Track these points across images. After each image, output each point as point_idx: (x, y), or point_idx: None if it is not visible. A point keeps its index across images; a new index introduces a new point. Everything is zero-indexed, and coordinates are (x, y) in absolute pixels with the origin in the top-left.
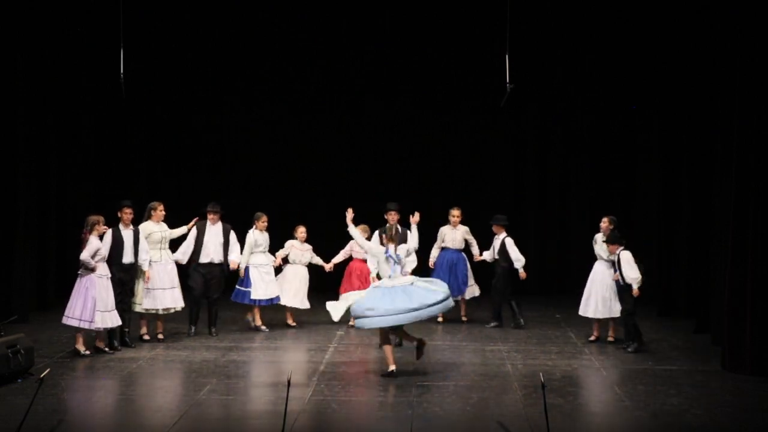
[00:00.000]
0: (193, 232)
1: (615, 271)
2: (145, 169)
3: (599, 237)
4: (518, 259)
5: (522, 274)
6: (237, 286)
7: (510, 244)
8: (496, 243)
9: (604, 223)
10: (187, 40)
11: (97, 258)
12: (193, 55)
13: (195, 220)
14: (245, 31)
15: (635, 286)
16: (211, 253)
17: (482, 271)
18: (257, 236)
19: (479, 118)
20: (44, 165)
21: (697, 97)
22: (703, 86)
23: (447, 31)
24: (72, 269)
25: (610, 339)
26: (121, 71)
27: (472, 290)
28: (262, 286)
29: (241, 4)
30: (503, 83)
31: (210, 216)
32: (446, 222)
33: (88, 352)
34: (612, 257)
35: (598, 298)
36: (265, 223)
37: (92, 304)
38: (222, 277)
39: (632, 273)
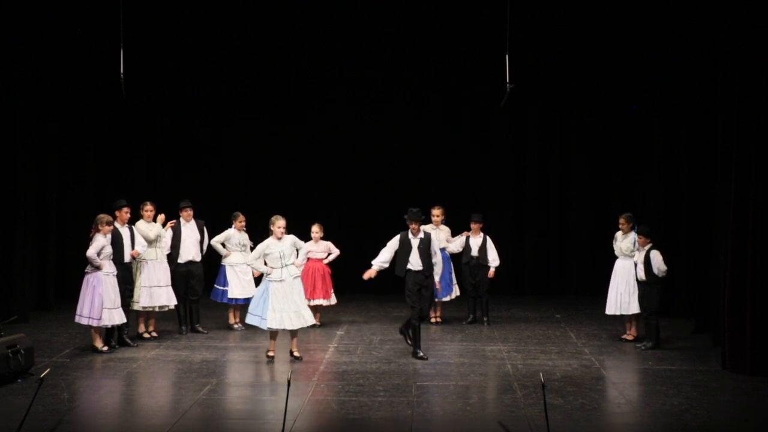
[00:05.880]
0: (169, 232)
1: (637, 266)
2: (145, 169)
3: (619, 235)
4: (496, 259)
5: (492, 272)
6: (215, 285)
7: (491, 243)
8: (476, 241)
9: (623, 224)
10: (187, 40)
11: (102, 255)
12: (193, 54)
13: (171, 222)
14: (245, 31)
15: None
16: (191, 251)
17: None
18: (233, 233)
19: (479, 118)
20: (44, 165)
21: (697, 97)
22: (703, 86)
23: (447, 32)
24: (72, 269)
25: (628, 337)
26: (121, 71)
27: (455, 291)
28: (238, 286)
29: (241, 4)
30: (503, 83)
31: (183, 213)
32: (449, 224)
33: (105, 349)
34: (636, 252)
35: (618, 294)
36: (242, 223)
37: (99, 301)
38: (203, 275)
39: (662, 266)
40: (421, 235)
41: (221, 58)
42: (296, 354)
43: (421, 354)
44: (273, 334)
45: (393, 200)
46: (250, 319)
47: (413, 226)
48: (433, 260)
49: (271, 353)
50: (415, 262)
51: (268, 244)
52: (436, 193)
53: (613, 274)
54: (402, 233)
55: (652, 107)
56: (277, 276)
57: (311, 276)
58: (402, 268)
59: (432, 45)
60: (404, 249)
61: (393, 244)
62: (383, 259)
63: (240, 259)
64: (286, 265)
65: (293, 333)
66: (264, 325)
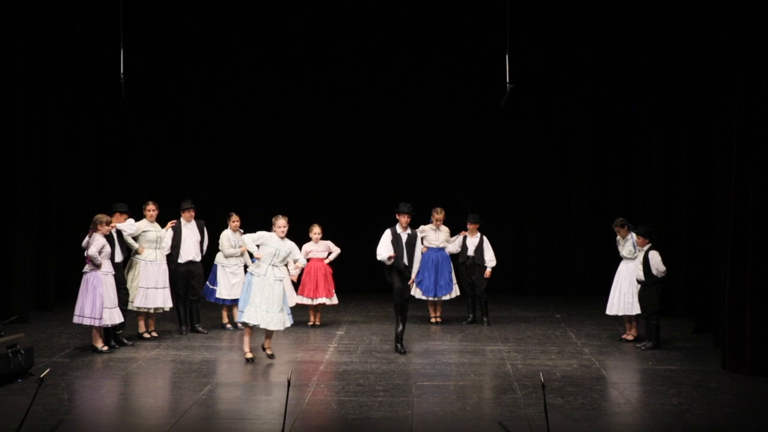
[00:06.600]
0: (170, 233)
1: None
2: (145, 169)
3: (620, 240)
4: (492, 259)
5: (488, 272)
6: (207, 283)
7: (488, 243)
8: (473, 241)
9: (617, 230)
10: (188, 41)
11: (102, 255)
12: (193, 54)
13: (171, 222)
14: (245, 31)
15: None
16: (191, 251)
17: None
18: (230, 235)
19: (479, 118)
20: (44, 165)
21: (697, 97)
22: (703, 86)
23: (447, 32)
24: (72, 269)
25: (629, 337)
26: (121, 71)
27: (455, 290)
28: (226, 286)
29: (242, 4)
30: (503, 83)
31: (185, 214)
32: (448, 224)
33: (105, 348)
34: (637, 252)
35: (621, 295)
36: (237, 223)
37: (100, 301)
38: (203, 275)
39: (661, 267)
40: (409, 230)
41: (221, 58)
42: (269, 351)
43: (401, 348)
44: (247, 330)
45: (393, 200)
46: (239, 316)
47: (403, 219)
48: (414, 259)
49: (248, 355)
50: (402, 257)
51: (270, 236)
52: (436, 193)
53: (617, 275)
54: (391, 228)
55: (652, 107)
56: (261, 271)
57: (313, 275)
58: (399, 261)
59: (432, 45)
60: (396, 244)
61: (387, 238)
62: (389, 250)
63: (233, 260)
64: (274, 265)
65: (269, 332)
66: (240, 318)
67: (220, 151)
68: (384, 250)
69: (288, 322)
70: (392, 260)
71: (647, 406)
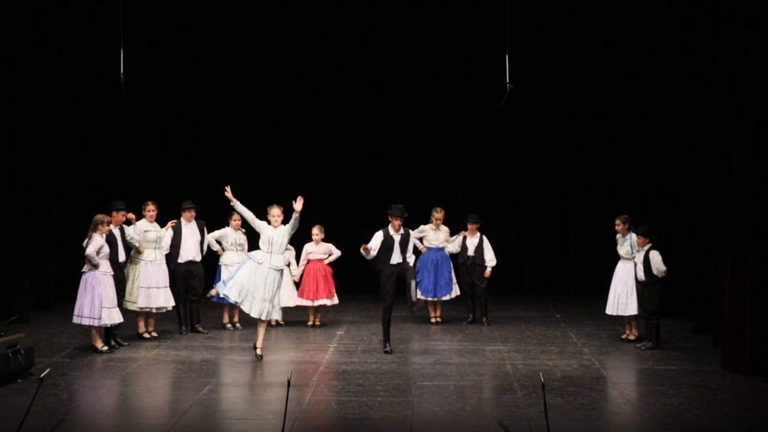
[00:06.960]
0: (170, 232)
1: (636, 266)
2: (145, 169)
3: (619, 238)
4: (492, 259)
5: (488, 272)
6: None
7: (488, 243)
8: (473, 241)
9: (618, 225)
10: (188, 41)
11: (100, 255)
12: (193, 54)
13: (171, 222)
14: (245, 31)
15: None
16: (191, 251)
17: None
18: (229, 232)
19: (479, 118)
20: (44, 165)
21: (697, 97)
22: (703, 86)
23: (447, 32)
24: (72, 269)
25: (630, 337)
26: (121, 71)
27: (455, 290)
28: None
29: (241, 4)
30: (503, 83)
31: (185, 214)
32: (448, 224)
33: (105, 348)
34: (636, 252)
35: (616, 295)
36: (238, 222)
37: (99, 301)
38: (203, 275)
39: (661, 267)
40: (402, 231)
41: (221, 59)
42: (258, 352)
43: (388, 349)
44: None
45: (393, 200)
46: (218, 287)
47: (396, 222)
48: (408, 257)
49: (213, 292)
50: (395, 258)
51: (264, 225)
52: (436, 194)
53: (614, 275)
54: (384, 230)
55: (652, 107)
56: (258, 257)
57: (314, 276)
58: (385, 263)
59: (432, 45)
60: (387, 245)
61: (379, 238)
62: (375, 246)
63: (235, 258)
64: (271, 252)
65: (261, 324)
66: (221, 289)
67: (220, 151)
68: (369, 245)
69: (273, 314)
70: (368, 253)
71: (647, 406)
